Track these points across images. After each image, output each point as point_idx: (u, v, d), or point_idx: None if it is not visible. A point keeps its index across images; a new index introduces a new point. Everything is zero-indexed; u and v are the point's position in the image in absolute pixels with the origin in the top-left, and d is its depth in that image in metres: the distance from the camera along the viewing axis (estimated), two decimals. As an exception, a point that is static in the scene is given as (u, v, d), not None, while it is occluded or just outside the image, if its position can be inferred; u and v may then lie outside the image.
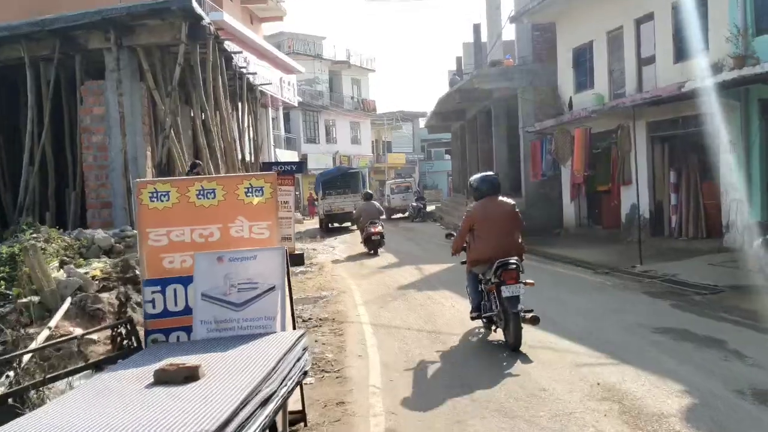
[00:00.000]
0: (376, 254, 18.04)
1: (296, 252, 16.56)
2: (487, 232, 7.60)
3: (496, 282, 7.24)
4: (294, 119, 44.10)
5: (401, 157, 59.46)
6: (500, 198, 7.84)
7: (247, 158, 16.76)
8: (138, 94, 14.18)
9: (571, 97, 19.26)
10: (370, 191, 22.62)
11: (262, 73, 28.27)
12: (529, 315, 7.09)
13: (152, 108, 14.77)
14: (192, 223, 5.29)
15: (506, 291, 7.12)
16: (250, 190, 5.47)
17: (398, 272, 14.32)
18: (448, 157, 65.13)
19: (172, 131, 13.76)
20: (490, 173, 8.58)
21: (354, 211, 22.34)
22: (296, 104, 35.75)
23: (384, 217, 36.06)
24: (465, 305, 8.74)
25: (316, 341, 8.38)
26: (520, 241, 7.74)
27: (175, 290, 5.15)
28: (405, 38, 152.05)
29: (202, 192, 5.36)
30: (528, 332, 7.24)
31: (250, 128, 18.01)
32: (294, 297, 6.20)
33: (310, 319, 9.97)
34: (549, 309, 8.79)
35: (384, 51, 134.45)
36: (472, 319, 8.03)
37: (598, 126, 17.14)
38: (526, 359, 6.81)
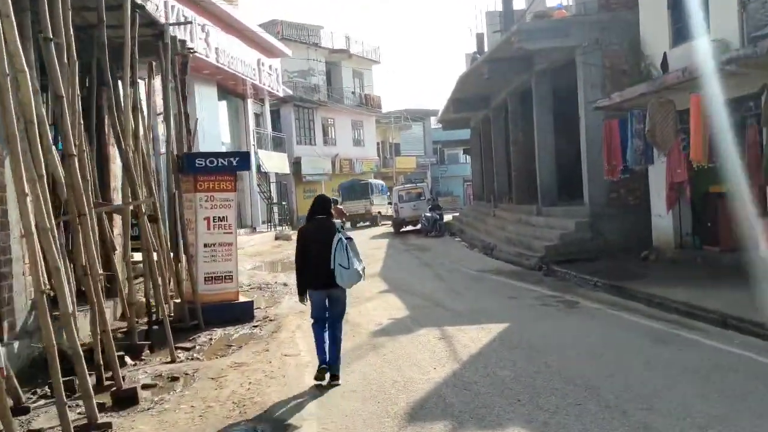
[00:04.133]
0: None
1: (239, 301, 10.14)
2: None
3: None
4: (285, 117, 37.74)
5: (411, 160, 52.93)
6: None
7: (154, 149, 10.42)
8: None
9: (665, 54, 12.71)
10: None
11: (230, 51, 21.97)
12: None
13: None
14: None
15: None
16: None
17: (411, 350, 7.82)
18: (463, 160, 58.75)
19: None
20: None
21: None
22: (280, 93, 29.36)
23: (392, 231, 30.60)
24: None
25: None
26: None
27: None
28: (413, 27, 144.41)
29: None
30: None
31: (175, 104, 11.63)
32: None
33: None
34: None
35: (389, 41, 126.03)
36: None
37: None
38: None
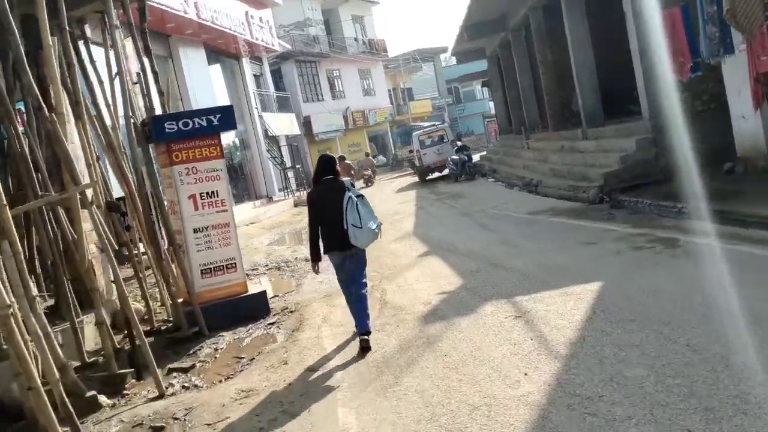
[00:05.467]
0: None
1: (248, 293, 8.11)
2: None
3: None
4: (288, 74, 35.31)
5: (426, 104, 50.20)
6: None
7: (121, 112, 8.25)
8: None
9: None
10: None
11: (211, 4, 19.58)
12: None
13: None
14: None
15: None
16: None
17: (480, 342, 5.72)
18: (480, 95, 55.92)
19: None
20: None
21: None
22: (277, 47, 26.88)
23: (417, 179, 28.37)
24: None
25: None
26: None
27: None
28: None
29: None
30: None
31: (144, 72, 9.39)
32: None
33: None
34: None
35: None
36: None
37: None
38: None
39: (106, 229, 6.90)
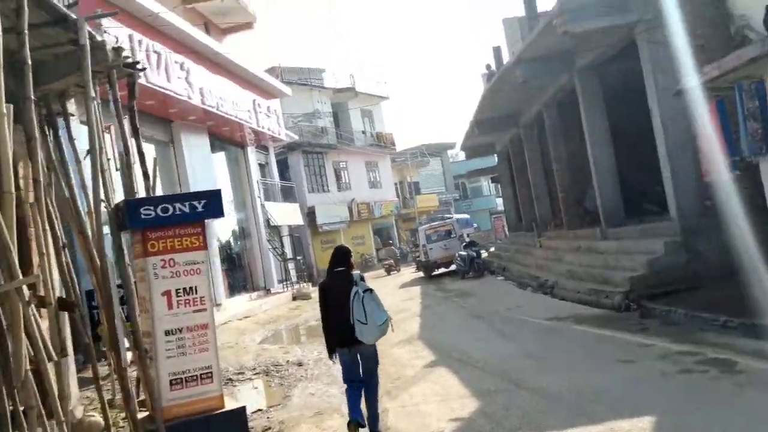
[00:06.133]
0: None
1: (225, 409, 6.87)
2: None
3: None
4: (294, 165, 34.93)
5: (432, 198, 49.70)
6: None
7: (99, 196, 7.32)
8: None
9: (768, 7, 9.51)
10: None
11: (218, 92, 19.18)
12: None
13: None
14: None
15: None
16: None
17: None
18: (488, 191, 55.63)
19: None
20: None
21: None
22: (283, 137, 26.43)
23: (422, 275, 27.29)
24: None
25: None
26: None
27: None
28: (419, 59, 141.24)
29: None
30: None
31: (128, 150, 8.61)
32: None
33: None
34: None
35: (396, 76, 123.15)
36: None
37: None
38: None
39: (63, 329, 5.82)
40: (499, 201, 49.08)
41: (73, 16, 6.33)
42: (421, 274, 27.40)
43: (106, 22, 13.20)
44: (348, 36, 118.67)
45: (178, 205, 6.57)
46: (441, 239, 25.97)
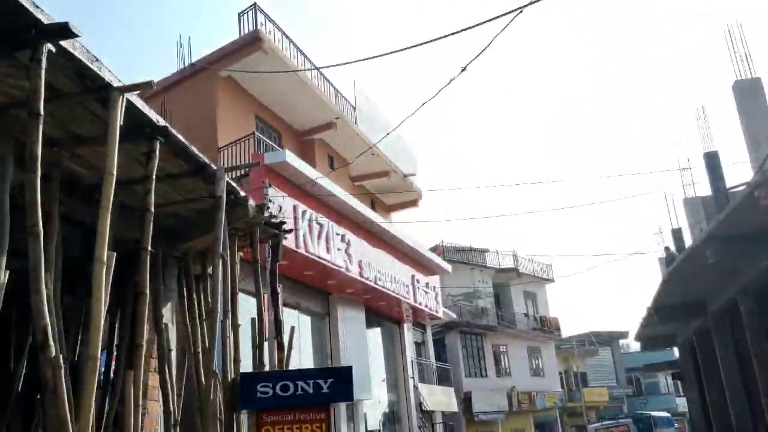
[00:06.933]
0: None
1: None
2: None
3: None
4: (451, 345, 33.48)
5: (602, 392, 45.15)
6: None
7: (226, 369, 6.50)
8: None
9: None
10: None
11: (376, 265, 18.85)
12: None
13: None
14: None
15: None
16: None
17: None
18: (665, 390, 49.91)
19: None
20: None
21: None
22: (440, 315, 25.35)
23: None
24: None
25: None
26: None
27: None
28: (587, 239, 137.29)
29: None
30: None
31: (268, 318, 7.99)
32: None
33: None
34: None
35: (559, 259, 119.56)
36: None
37: None
38: None
39: None
40: (680, 401, 43.48)
41: (213, 166, 5.94)
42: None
43: (271, 191, 13.48)
44: (509, 218, 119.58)
45: (300, 384, 5.56)
46: (615, 443, 22.67)
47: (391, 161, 23.50)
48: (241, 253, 7.75)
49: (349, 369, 5.92)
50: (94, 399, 3.98)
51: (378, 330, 22.99)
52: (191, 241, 6.87)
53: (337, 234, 16.77)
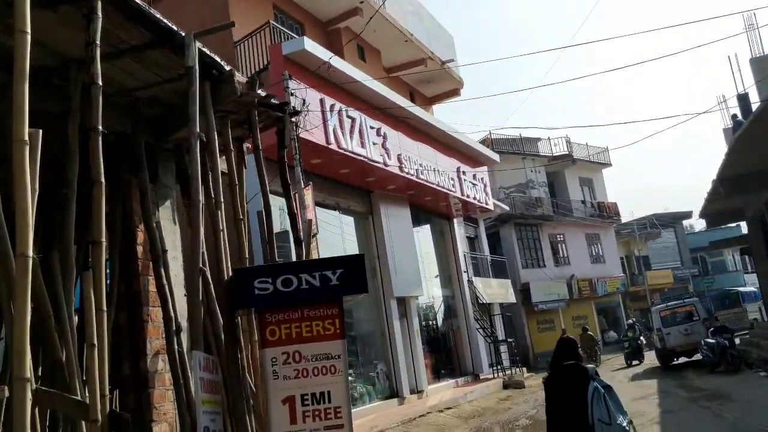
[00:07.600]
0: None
1: None
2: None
3: None
4: (506, 238, 32.69)
5: (666, 274, 44.00)
6: None
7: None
8: None
9: None
10: None
11: (417, 158, 17.85)
12: None
13: None
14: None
15: None
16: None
17: None
18: (732, 267, 48.43)
19: None
20: None
21: None
22: (491, 206, 24.37)
23: (658, 366, 23.02)
24: None
25: None
26: None
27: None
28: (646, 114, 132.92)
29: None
30: None
31: (297, 206, 7.31)
32: None
33: None
34: None
35: (619, 139, 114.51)
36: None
37: None
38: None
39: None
40: (749, 278, 42.02)
41: (182, 33, 4.97)
42: (654, 363, 23.24)
43: (293, 84, 12.48)
44: (561, 98, 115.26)
45: (305, 277, 4.77)
46: (681, 322, 21.80)
47: (426, 47, 21.98)
48: (248, 145, 6.91)
49: (361, 257, 5.06)
50: (29, 305, 3.26)
51: (427, 227, 22.30)
52: (180, 131, 6.03)
53: (372, 127, 15.77)
